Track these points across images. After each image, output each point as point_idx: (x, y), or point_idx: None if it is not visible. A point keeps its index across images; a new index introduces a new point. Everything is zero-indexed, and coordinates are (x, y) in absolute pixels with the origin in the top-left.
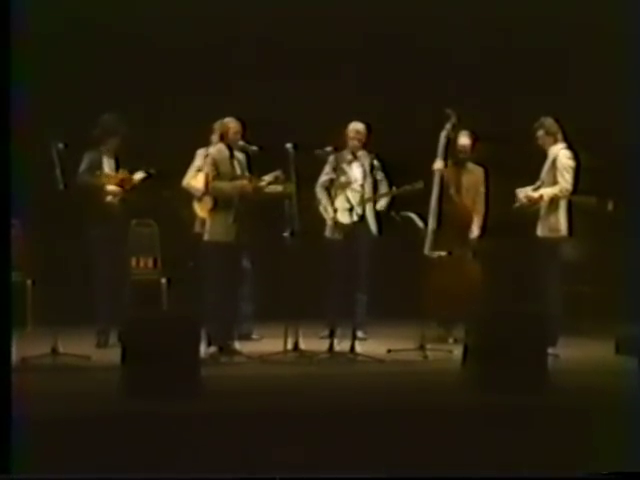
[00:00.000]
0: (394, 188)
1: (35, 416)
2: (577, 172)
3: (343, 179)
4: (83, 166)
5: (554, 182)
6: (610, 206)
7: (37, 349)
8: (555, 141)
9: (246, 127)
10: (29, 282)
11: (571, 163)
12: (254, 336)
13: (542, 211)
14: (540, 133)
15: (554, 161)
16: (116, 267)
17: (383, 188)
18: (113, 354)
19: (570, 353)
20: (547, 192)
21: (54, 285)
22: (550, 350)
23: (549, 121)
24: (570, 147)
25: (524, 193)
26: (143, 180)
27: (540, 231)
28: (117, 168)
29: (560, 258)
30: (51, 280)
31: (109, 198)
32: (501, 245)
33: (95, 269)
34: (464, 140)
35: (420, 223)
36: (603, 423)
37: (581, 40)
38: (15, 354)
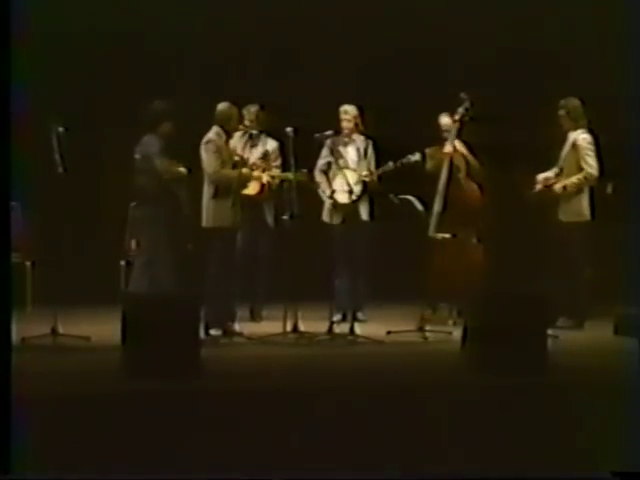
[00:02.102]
0: (390, 163)
1: (35, 396)
2: (599, 155)
3: (340, 162)
4: (154, 152)
5: (575, 168)
6: (609, 189)
7: (37, 330)
8: (576, 127)
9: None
10: (28, 264)
11: (592, 147)
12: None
13: (563, 195)
14: (562, 112)
15: (574, 146)
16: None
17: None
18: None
19: (569, 334)
20: (570, 182)
21: (53, 266)
22: (550, 331)
23: (573, 103)
24: (591, 131)
25: (544, 181)
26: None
27: (563, 215)
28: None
29: (561, 241)
30: (50, 261)
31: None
32: (504, 228)
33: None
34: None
35: (419, 206)
36: (601, 403)
37: (585, 23)
38: (15, 335)
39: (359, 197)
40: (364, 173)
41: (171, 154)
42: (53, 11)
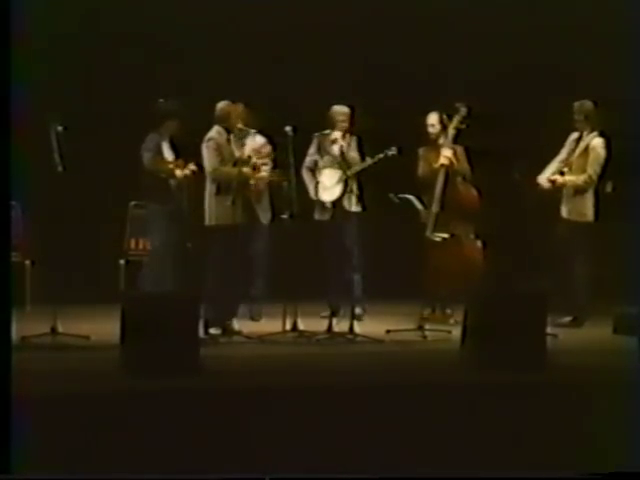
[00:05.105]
0: (368, 159)
1: (35, 395)
2: (607, 161)
3: (327, 159)
4: (146, 149)
5: (583, 168)
6: (609, 187)
7: (36, 329)
8: (592, 129)
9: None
10: (28, 263)
11: (604, 153)
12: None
13: (566, 193)
14: (580, 117)
15: (587, 148)
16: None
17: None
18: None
19: (569, 333)
20: (572, 179)
21: (53, 265)
22: (549, 330)
23: (589, 106)
24: (603, 134)
25: (548, 175)
26: (193, 172)
27: (565, 214)
28: (174, 150)
29: (561, 240)
30: (50, 260)
31: (171, 182)
32: (503, 227)
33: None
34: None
35: (419, 205)
36: (600, 401)
37: (584, 24)
38: (15, 333)
39: (342, 195)
40: (347, 173)
41: (178, 152)
42: (53, 11)
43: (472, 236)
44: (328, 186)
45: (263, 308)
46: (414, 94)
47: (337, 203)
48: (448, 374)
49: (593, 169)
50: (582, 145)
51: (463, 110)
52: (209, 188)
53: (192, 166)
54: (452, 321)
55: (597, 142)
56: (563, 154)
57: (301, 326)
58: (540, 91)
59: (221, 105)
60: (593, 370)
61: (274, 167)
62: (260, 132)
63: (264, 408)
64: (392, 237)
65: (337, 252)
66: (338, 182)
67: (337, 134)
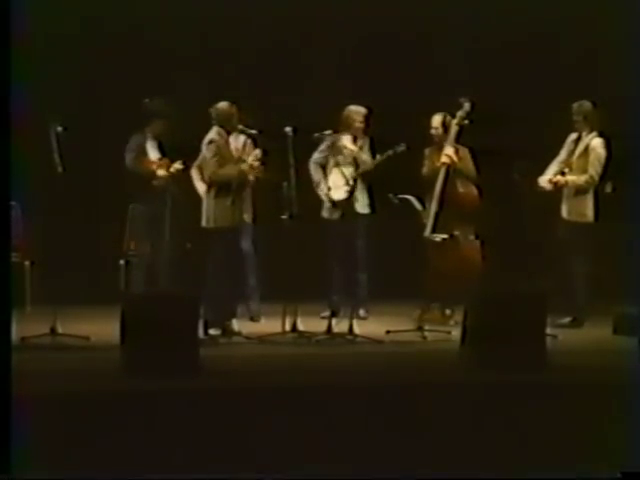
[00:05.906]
0: (378, 156)
1: (35, 395)
2: (607, 161)
3: (340, 158)
4: (128, 149)
5: (584, 169)
6: (609, 188)
7: (36, 329)
8: (592, 129)
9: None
10: (27, 263)
11: (604, 153)
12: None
13: (566, 193)
14: (578, 118)
15: (586, 148)
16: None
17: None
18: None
19: (568, 333)
20: (573, 180)
21: (53, 266)
22: (549, 330)
23: (587, 107)
24: (602, 134)
25: (550, 176)
26: (180, 170)
27: (566, 214)
28: (161, 150)
29: (561, 240)
30: (50, 261)
31: (155, 182)
32: (503, 227)
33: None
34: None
35: (418, 205)
36: (600, 402)
37: (584, 23)
38: (14, 334)
39: (351, 193)
40: (356, 173)
41: (164, 152)
42: (53, 11)
43: (472, 236)
44: (338, 185)
45: (263, 308)
46: (416, 94)
47: (344, 203)
48: (448, 374)
49: (594, 169)
50: (581, 146)
51: (467, 105)
52: (208, 191)
53: (177, 165)
54: (452, 322)
55: (597, 142)
56: (563, 155)
57: (301, 327)
58: (540, 91)
59: (222, 106)
60: (593, 370)
61: (262, 164)
62: (260, 132)
63: (264, 408)
64: (393, 237)
65: (339, 252)
66: (347, 183)
67: (347, 138)
